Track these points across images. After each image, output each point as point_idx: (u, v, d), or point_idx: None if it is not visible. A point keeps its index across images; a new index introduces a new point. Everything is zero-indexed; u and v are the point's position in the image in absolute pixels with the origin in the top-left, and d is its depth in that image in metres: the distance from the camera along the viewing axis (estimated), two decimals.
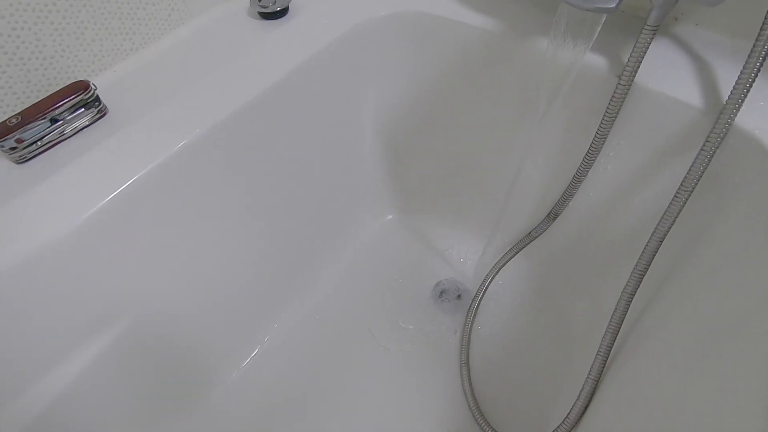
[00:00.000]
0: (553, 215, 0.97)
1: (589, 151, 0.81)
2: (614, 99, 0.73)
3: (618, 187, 0.87)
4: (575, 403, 0.75)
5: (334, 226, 1.14)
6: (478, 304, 1.06)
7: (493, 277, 1.07)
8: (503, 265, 1.07)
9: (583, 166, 0.84)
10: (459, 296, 1.10)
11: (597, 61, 0.78)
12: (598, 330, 0.81)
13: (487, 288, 1.07)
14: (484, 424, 0.89)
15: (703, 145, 0.63)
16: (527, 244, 1.05)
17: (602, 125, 0.77)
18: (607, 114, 0.76)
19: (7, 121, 0.66)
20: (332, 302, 1.09)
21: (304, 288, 1.08)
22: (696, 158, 0.63)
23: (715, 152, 0.62)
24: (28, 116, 0.66)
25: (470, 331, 1.03)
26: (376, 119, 1.08)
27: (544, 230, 1.01)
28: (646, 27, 0.66)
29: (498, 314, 1.07)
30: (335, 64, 0.93)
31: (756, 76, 0.58)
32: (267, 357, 1.01)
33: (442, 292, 1.10)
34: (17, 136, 0.65)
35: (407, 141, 1.11)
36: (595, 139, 0.79)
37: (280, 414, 0.95)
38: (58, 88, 0.71)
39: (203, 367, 0.94)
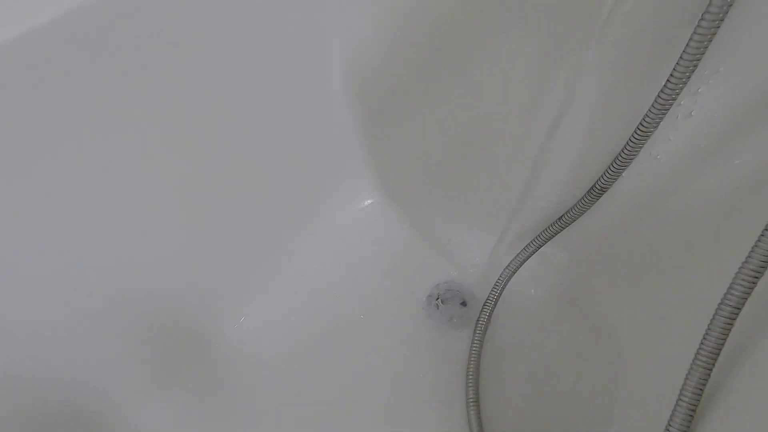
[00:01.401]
0: (597, 191, 0.68)
1: (668, 85, 0.51)
2: None
3: (705, 143, 0.57)
4: None
5: (296, 209, 0.85)
6: (490, 315, 0.78)
7: (509, 278, 0.79)
8: (523, 262, 0.78)
9: (654, 111, 0.54)
10: (463, 304, 0.81)
11: None
12: (656, 344, 0.64)
13: (501, 293, 0.79)
14: None
15: None
16: (556, 234, 0.75)
17: (695, 39, 0.47)
18: (704, 20, 0.45)
19: None
20: (293, 316, 0.80)
21: (251, 301, 0.80)
22: None
23: None
24: None
25: (479, 354, 0.74)
26: (347, 66, 0.78)
27: (582, 213, 0.72)
28: None
29: (517, 329, 0.78)
30: None
31: None
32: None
33: (440, 301, 0.81)
34: None
35: (391, 97, 0.80)
36: (680, 63, 0.49)
37: None
38: None
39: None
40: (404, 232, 0.87)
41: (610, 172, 0.64)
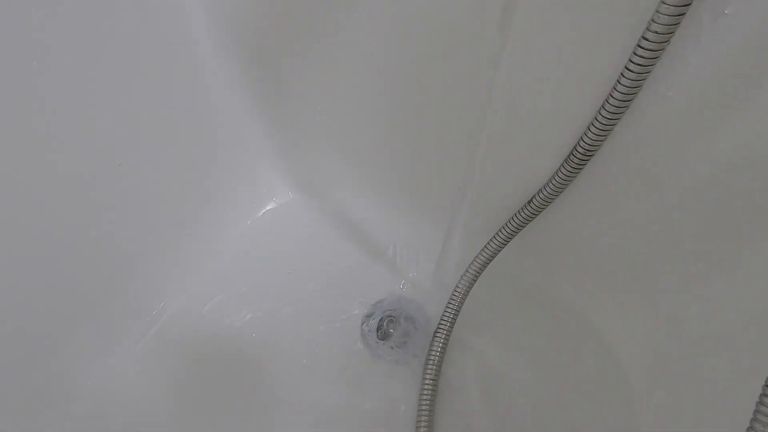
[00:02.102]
0: (575, 162, 0.45)
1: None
2: None
3: (708, 95, 0.35)
4: None
5: (186, 214, 0.63)
6: (445, 340, 0.57)
7: (468, 290, 0.57)
8: (486, 264, 0.57)
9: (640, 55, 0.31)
10: (411, 327, 0.60)
11: None
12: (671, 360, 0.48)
13: (459, 309, 0.58)
14: None
15: None
16: (527, 224, 0.53)
17: None
18: None
19: None
20: (186, 347, 0.60)
21: (137, 326, 0.59)
22: None
23: None
24: None
25: (435, 392, 0.54)
26: (215, 24, 0.54)
27: (559, 193, 0.49)
28: None
29: (483, 357, 0.58)
30: None
31: None
32: None
33: (381, 323, 0.60)
34: None
35: (284, 63, 0.57)
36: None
37: None
38: None
39: None
40: (328, 236, 0.66)
41: (590, 135, 0.41)
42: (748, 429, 0.29)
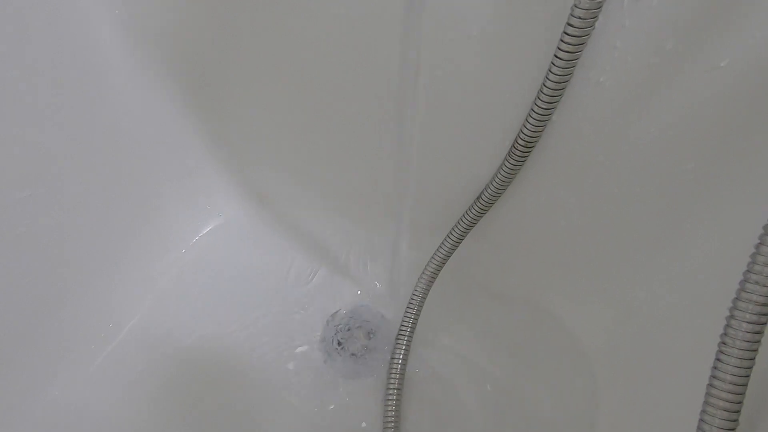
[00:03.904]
0: (517, 154, 0.44)
1: None
2: None
3: (637, 76, 0.35)
4: None
5: (129, 235, 0.59)
6: (407, 344, 0.55)
7: (427, 289, 0.56)
8: (442, 264, 0.55)
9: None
10: (370, 335, 0.59)
11: None
12: (635, 352, 0.48)
13: (419, 311, 0.56)
14: None
15: None
16: (478, 220, 0.52)
17: None
18: None
19: None
20: (140, 367, 0.56)
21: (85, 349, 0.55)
22: None
23: None
24: None
25: (400, 398, 0.53)
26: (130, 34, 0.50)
27: (506, 186, 0.49)
28: None
29: (446, 356, 0.56)
30: None
31: None
32: None
33: (341, 333, 0.58)
34: None
35: (217, 72, 0.54)
36: None
37: None
38: None
39: None
40: (277, 251, 0.63)
41: (531, 123, 0.41)
42: (701, 412, 0.28)
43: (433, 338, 0.57)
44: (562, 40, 0.34)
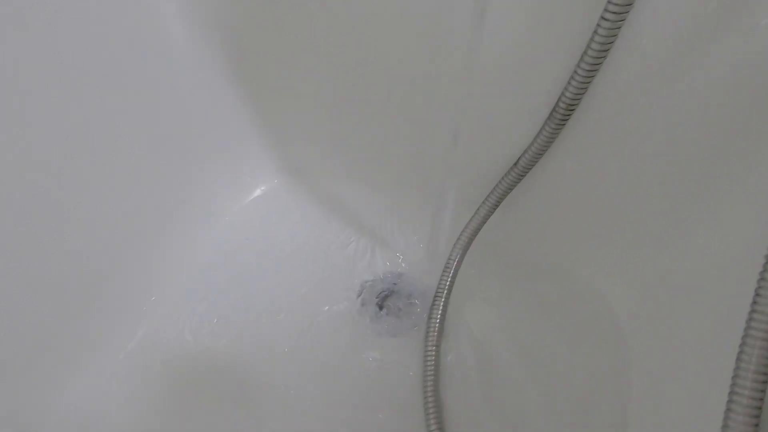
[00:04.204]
0: (558, 118, 0.47)
1: None
2: None
3: (678, 39, 0.37)
4: None
5: (170, 204, 0.62)
6: (443, 309, 0.58)
7: (463, 254, 0.58)
8: (477, 231, 0.58)
9: None
10: (409, 299, 0.61)
11: None
12: (667, 319, 0.48)
13: (454, 278, 0.59)
14: None
15: None
16: (514, 186, 0.55)
17: None
18: None
19: None
20: (180, 335, 0.59)
21: (125, 325, 0.58)
22: None
23: None
24: None
25: (437, 359, 0.55)
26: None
27: (544, 152, 0.51)
28: None
29: (481, 322, 0.59)
30: None
31: None
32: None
33: (379, 299, 0.61)
34: None
35: (261, 43, 0.57)
36: None
37: None
38: None
39: None
40: (316, 219, 0.66)
41: (574, 84, 0.43)
42: (733, 377, 0.30)
43: (469, 303, 0.59)
44: (609, 1, 0.36)
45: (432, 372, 0.54)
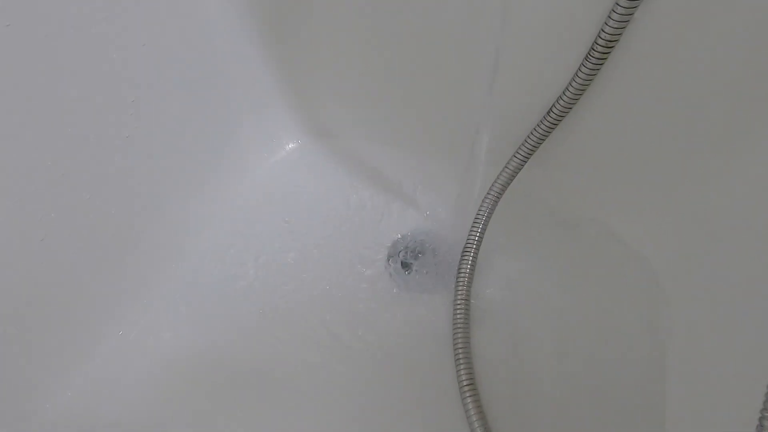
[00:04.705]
0: (596, 56, 0.44)
1: None
2: None
3: None
4: None
5: (200, 161, 0.62)
6: (473, 262, 0.57)
7: (492, 208, 0.57)
8: (508, 183, 0.57)
9: None
10: (437, 255, 0.61)
11: None
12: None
13: (484, 230, 0.58)
14: None
15: None
16: (547, 136, 0.53)
17: None
18: None
19: None
20: (213, 297, 0.60)
21: (161, 279, 0.60)
22: None
23: None
24: None
25: (467, 312, 0.55)
26: None
27: (579, 96, 0.48)
28: None
29: (510, 278, 0.58)
30: None
31: None
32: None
33: (407, 255, 0.61)
34: None
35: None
36: None
37: None
38: None
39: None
40: (344, 178, 0.65)
41: (606, 34, 0.40)
42: None
43: (499, 257, 0.59)
44: None
45: (461, 325, 0.54)
